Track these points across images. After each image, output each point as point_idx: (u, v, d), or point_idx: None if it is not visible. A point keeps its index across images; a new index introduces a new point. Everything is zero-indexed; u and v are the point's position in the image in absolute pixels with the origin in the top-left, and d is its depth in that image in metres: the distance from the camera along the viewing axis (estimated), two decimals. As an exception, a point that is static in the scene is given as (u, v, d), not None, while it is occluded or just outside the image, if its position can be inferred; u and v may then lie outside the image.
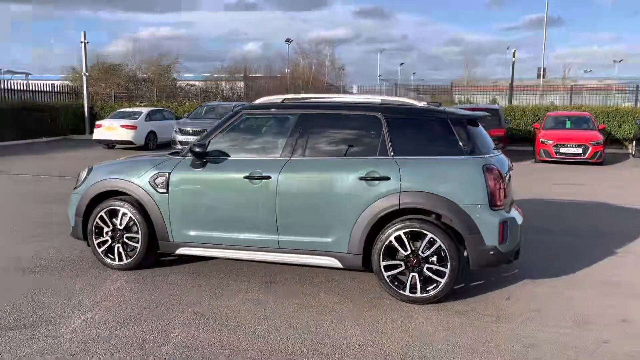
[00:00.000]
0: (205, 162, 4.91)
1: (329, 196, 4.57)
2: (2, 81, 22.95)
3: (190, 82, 31.92)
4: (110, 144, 18.67)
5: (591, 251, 6.10)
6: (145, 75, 29.51)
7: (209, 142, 4.98)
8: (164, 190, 4.96)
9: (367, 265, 4.55)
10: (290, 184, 4.65)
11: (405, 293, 4.42)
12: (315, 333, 3.85)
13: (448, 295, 4.46)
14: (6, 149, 17.96)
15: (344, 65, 54.22)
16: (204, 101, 24.82)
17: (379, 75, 57.03)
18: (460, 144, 4.48)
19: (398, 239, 4.40)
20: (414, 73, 60.65)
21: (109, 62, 28.49)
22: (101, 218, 5.16)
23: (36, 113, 22.05)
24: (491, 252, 4.35)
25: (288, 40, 42.09)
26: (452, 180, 4.39)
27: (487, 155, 4.51)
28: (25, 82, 26.29)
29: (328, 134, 4.78)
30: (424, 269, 4.37)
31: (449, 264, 4.32)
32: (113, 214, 5.13)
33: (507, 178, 4.67)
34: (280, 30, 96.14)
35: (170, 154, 5.35)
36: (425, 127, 4.62)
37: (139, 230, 5.05)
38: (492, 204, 4.35)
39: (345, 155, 4.66)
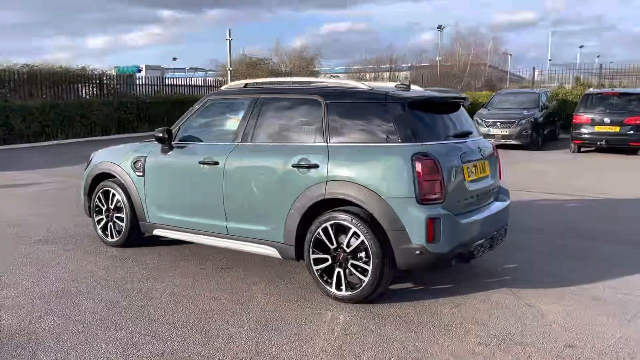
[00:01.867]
0: (172, 147, 5.09)
1: (266, 183, 4.44)
2: (166, 78, 25.83)
3: (334, 74, 32.67)
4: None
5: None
6: (287, 68, 30.96)
7: (179, 127, 5.15)
8: (141, 174, 5.25)
9: (301, 257, 4.33)
10: (235, 171, 4.61)
11: (331, 290, 4.11)
12: (203, 327, 3.79)
13: (382, 294, 4.10)
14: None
15: (506, 50, 50.81)
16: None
17: (550, 60, 52.72)
18: (395, 129, 4.01)
19: (325, 231, 4.10)
20: (598, 56, 54.90)
21: (255, 58, 30.53)
22: (99, 198, 5.64)
23: (190, 104, 24.43)
24: (418, 252, 3.84)
25: (440, 27, 40.76)
26: (377, 170, 3.96)
27: (427, 143, 3.97)
28: (185, 77, 29.21)
29: (274, 119, 4.63)
30: (349, 266, 4.04)
31: (371, 262, 3.93)
32: (106, 194, 5.58)
33: (456, 169, 4.07)
34: (459, 17, 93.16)
35: None
36: (363, 112, 4.22)
37: (124, 211, 5.43)
38: (421, 198, 3.83)
39: (286, 141, 4.48)
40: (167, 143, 5.06)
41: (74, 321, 3.73)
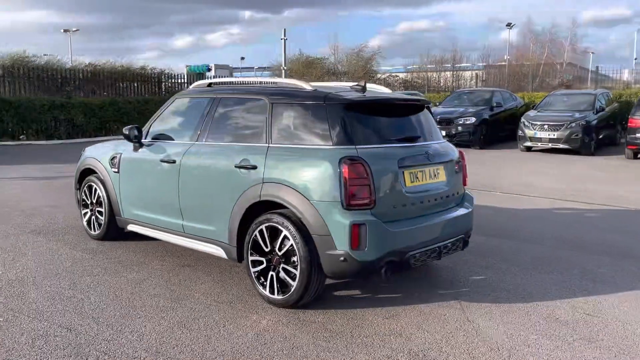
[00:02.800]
0: (142, 145, 5.20)
1: (213, 183, 4.44)
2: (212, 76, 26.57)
3: (393, 74, 32.21)
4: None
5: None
6: (345, 68, 30.87)
7: (150, 125, 5.26)
8: (117, 170, 5.41)
9: (242, 258, 4.29)
10: (188, 170, 4.64)
11: (265, 292, 4.04)
12: (122, 324, 3.83)
13: (319, 298, 4.01)
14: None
15: (587, 48, 48.06)
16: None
17: (635, 59, 49.39)
18: (330, 132, 3.88)
19: (261, 233, 4.04)
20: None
21: (312, 57, 30.72)
22: (85, 192, 5.86)
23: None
24: (342, 259, 3.68)
25: (509, 25, 39.16)
26: (307, 173, 3.85)
27: (360, 147, 3.81)
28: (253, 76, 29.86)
29: (226, 119, 4.62)
30: (281, 269, 3.95)
31: (298, 266, 3.82)
32: (90, 189, 5.79)
33: (392, 174, 3.87)
34: (544, 14, 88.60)
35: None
36: (303, 113, 4.11)
37: (104, 205, 5.61)
38: (347, 203, 3.68)
39: (234, 141, 4.45)
40: (136, 141, 5.17)
41: (8, 309, 3.90)
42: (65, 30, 50.59)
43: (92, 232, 5.79)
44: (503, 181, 10.11)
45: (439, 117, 15.91)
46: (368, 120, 4.05)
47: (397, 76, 31.92)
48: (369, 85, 5.14)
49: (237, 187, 4.20)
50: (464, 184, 4.63)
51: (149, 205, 5.10)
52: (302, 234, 3.79)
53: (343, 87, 4.49)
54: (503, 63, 39.06)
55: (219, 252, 4.44)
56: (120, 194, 5.38)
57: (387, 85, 29.36)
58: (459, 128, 15.57)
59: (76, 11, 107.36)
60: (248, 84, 5.03)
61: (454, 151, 4.53)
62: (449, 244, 4.22)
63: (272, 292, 3.99)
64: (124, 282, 4.52)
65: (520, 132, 15.05)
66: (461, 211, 4.43)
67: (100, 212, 5.67)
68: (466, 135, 15.56)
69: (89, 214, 5.83)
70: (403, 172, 3.94)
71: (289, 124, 4.14)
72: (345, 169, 3.66)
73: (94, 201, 5.72)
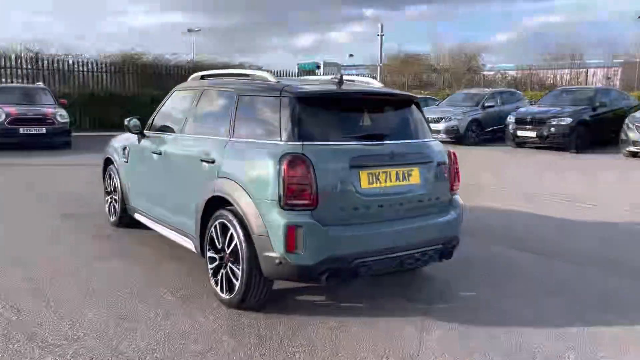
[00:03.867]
0: (144, 136, 5.30)
1: (184, 176, 4.43)
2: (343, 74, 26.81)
3: (502, 72, 30.35)
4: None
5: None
6: (446, 64, 29.68)
7: (153, 117, 5.34)
8: (126, 160, 5.59)
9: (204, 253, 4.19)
10: (170, 161, 4.66)
11: (217, 290, 3.91)
12: (63, 311, 3.88)
13: (272, 301, 3.82)
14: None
15: None
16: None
17: None
18: (281, 126, 3.64)
19: (215, 230, 3.92)
20: None
21: (410, 53, 29.91)
22: (106, 180, 6.14)
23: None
24: (278, 262, 3.45)
25: (642, 18, 35.09)
26: (252, 169, 3.66)
27: (307, 143, 3.52)
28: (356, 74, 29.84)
29: (204, 111, 4.56)
30: (228, 268, 3.80)
31: (241, 266, 3.65)
32: (110, 177, 6.04)
33: (343, 173, 3.53)
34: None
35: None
36: (262, 106, 3.91)
37: (118, 193, 5.82)
38: (284, 202, 3.43)
39: (204, 133, 4.37)
40: (136, 132, 5.28)
41: (-16, 286, 4.15)
42: (189, 30, 54.15)
43: (110, 219, 6.05)
44: (588, 191, 9.07)
45: (529, 117, 14.81)
46: (325, 115, 3.77)
47: (505, 74, 30.07)
48: (360, 79, 4.86)
49: (200, 180, 4.12)
50: (452, 189, 4.15)
51: (146, 195, 5.21)
52: (245, 233, 3.61)
53: (324, 80, 4.23)
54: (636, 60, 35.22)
55: (190, 245, 4.40)
56: (129, 183, 5.56)
57: (490, 83, 27.83)
58: (552, 129, 14.29)
59: (209, 12, 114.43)
60: (232, 76, 4.92)
61: (439, 153, 4.08)
62: (417, 255, 3.81)
63: (222, 290, 3.87)
64: (106, 270, 4.60)
65: (623, 135, 13.44)
66: (440, 218, 3.98)
67: (116, 200, 5.89)
68: (559, 138, 14.27)
69: (109, 201, 6.09)
70: (359, 173, 3.61)
71: (249, 118, 3.99)
72: (285, 167, 3.42)
73: (112, 189, 5.97)
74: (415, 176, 3.88)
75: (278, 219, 3.42)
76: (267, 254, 3.49)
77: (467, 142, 15.95)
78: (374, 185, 3.66)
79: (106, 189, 6.16)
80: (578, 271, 4.79)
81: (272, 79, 4.08)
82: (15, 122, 12.61)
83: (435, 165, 3.99)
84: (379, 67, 24.81)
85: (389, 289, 4.27)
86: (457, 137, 16.03)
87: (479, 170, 10.74)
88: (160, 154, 4.77)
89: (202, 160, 4.11)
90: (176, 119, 4.96)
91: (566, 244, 5.69)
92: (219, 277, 3.88)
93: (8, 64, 18.83)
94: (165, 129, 5.08)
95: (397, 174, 3.77)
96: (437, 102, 19.14)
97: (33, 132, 12.77)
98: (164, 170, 4.70)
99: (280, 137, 3.61)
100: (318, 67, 42.28)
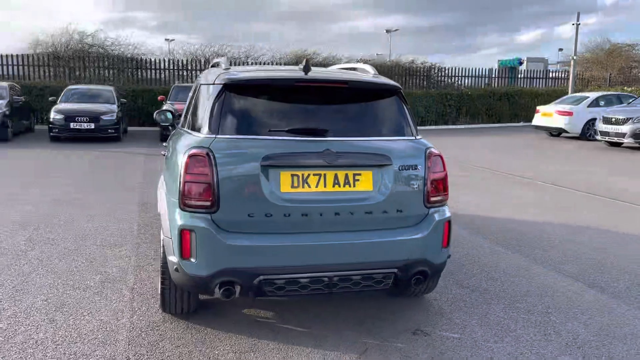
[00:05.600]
0: (175, 129, 5.30)
1: (171, 168, 4.27)
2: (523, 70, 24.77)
3: None
4: (552, 131, 17.53)
5: None
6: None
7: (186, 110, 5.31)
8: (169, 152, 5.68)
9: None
10: (169, 155, 4.55)
11: (158, 292, 3.68)
12: (22, 292, 3.95)
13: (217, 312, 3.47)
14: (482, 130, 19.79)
15: None
16: None
17: None
18: (208, 117, 3.21)
19: (164, 228, 3.69)
20: None
21: (618, 44, 25.48)
22: (167, 171, 6.34)
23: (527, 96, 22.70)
24: (175, 268, 3.05)
25: None
26: (170, 164, 3.35)
27: (220, 136, 3.05)
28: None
29: (194, 105, 4.32)
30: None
31: (160, 271, 3.35)
32: (167, 168, 6.23)
33: (254, 173, 2.95)
34: None
35: None
36: (203, 97, 3.52)
37: (166, 184, 5.97)
38: (182, 203, 3.02)
39: (181, 126, 4.16)
40: (166, 125, 5.30)
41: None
42: (387, 31, 54.83)
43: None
44: None
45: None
46: (257, 106, 3.24)
47: None
48: (361, 66, 4.17)
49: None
50: (429, 201, 3.27)
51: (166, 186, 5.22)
52: (164, 234, 3.33)
53: (291, 68, 3.71)
54: None
55: (169, 242, 4.24)
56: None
57: None
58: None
59: (425, 12, 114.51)
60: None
61: (406, 155, 3.22)
62: (356, 277, 3.08)
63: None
64: (104, 258, 4.70)
65: None
66: (399, 236, 3.16)
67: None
68: None
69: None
70: (279, 173, 3.03)
71: (195, 109, 3.67)
72: (186, 162, 3.03)
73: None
74: (365, 182, 3.13)
75: (175, 221, 3.04)
76: (169, 258, 3.14)
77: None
78: (299, 189, 3.04)
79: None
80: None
81: (223, 66, 3.68)
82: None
83: (397, 170, 3.18)
84: (572, 60, 21.87)
85: (356, 315, 3.57)
86: (647, 143, 13.39)
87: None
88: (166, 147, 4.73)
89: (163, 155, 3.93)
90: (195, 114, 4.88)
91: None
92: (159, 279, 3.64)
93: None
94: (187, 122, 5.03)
95: (336, 177, 3.09)
96: (631, 100, 16.14)
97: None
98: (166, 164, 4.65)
99: (205, 128, 3.22)
100: (521, 63, 39.38)
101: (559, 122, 16.34)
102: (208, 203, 2.96)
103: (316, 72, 3.44)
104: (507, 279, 4.33)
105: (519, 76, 24.63)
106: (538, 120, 17.23)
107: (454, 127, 21.36)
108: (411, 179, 3.19)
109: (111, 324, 3.38)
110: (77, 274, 4.21)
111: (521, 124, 22.12)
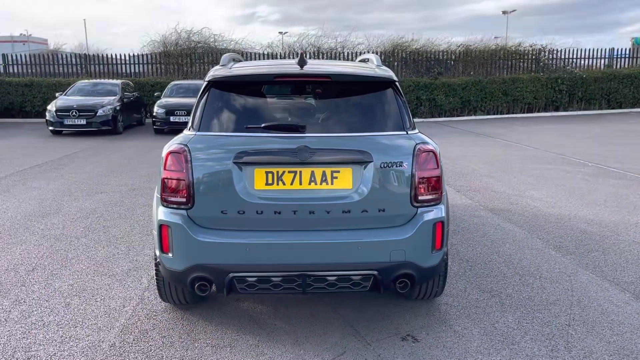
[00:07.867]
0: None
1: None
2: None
3: None
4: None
5: None
6: None
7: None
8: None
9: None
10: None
11: (164, 284, 3.82)
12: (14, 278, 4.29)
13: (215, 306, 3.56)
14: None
15: None
16: None
17: None
18: (195, 114, 3.27)
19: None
20: None
21: None
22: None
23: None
24: (157, 261, 3.14)
25: None
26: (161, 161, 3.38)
27: (201, 133, 3.07)
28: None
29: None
30: (160, 263, 3.65)
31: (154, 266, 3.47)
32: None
33: (227, 169, 2.94)
34: None
35: None
36: (198, 95, 3.56)
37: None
38: (161, 198, 3.08)
39: None
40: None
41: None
42: (503, 12, 51.94)
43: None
44: None
45: None
46: (239, 102, 3.22)
47: None
48: (368, 56, 3.99)
49: None
50: (417, 200, 3.05)
51: None
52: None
53: (289, 62, 3.64)
54: None
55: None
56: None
57: None
58: None
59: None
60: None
61: (391, 151, 3.01)
62: (331, 278, 2.96)
63: (159, 285, 3.77)
64: (107, 246, 4.97)
65: None
66: (378, 237, 2.98)
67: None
68: None
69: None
70: (253, 170, 2.99)
71: (196, 107, 3.74)
72: (165, 158, 3.11)
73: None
74: (343, 179, 3.00)
75: (157, 216, 3.14)
76: (155, 251, 3.26)
77: None
78: (273, 186, 2.99)
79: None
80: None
81: (225, 63, 3.69)
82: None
83: (379, 167, 3.00)
84: None
85: (346, 316, 3.45)
86: None
87: None
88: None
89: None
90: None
91: None
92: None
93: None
94: None
95: (313, 175, 2.99)
96: None
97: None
98: None
99: (192, 126, 3.28)
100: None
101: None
102: (184, 199, 3.01)
103: (309, 67, 3.34)
104: (540, 285, 3.95)
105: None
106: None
107: (565, 113, 19.75)
108: (396, 177, 3.00)
109: (116, 310, 3.57)
110: (112, 261, 4.50)
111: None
